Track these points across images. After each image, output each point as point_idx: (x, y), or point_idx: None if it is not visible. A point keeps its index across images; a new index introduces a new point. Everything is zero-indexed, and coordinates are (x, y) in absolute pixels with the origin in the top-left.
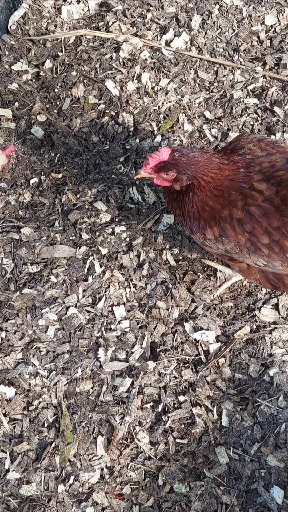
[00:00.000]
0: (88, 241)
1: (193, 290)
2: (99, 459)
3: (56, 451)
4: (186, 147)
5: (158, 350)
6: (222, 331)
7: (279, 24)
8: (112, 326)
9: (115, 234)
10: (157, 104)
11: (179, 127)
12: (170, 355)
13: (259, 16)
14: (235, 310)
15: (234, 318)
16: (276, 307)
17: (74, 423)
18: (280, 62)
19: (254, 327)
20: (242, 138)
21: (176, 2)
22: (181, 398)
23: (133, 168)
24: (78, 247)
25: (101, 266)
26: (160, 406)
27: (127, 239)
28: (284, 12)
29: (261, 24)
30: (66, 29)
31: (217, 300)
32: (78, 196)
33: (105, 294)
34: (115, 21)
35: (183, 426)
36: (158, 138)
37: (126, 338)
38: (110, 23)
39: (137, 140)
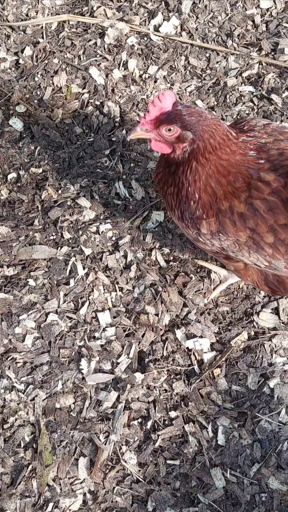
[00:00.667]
0: (70, 241)
1: (185, 293)
2: (81, 483)
3: (33, 475)
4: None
5: (146, 360)
6: (217, 338)
7: (276, 7)
8: (96, 334)
9: (100, 233)
10: (145, 93)
11: None
12: (160, 366)
13: None
14: (231, 315)
15: (230, 323)
16: (276, 311)
17: (53, 442)
18: (277, 47)
19: (252, 333)
20: (247, 121)
21: None
22: (172, 413)
23: (119, 161)
24: (59, 248)
25: (84, 268)
26: (149, 423)
27: (113, 238)
28: None
29: (256, 7)
30: (48, 14)
31: (211, 304)
32: (60, 192)
33: (88, 299)
34: (100, 6)
35: (174, 445)
36: None
37: (111, 347)
38: (94, 8)
39: (124, 132)
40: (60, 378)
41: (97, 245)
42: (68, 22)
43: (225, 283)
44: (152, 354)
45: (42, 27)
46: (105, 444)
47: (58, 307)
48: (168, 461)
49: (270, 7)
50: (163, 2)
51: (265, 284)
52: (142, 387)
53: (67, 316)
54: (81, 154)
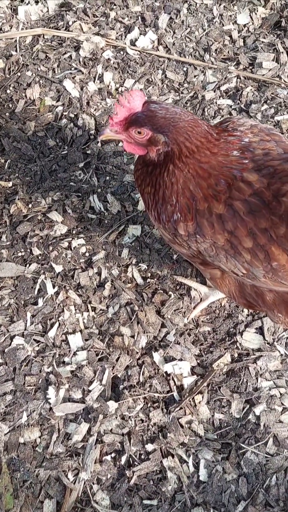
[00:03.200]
0: (39, 257)
1: (164, 312)
2: None
3: None
4: (165, 101)
5: (121, 387)
6: (198, 361)
7: (253, 23)
8: (66, 359)
9: (72, 248)
10: None
11: None
12: (135, 393)
13: (230, 15)
14: (213, 336)
15: (212, 345)
16: (260, 330)
17: (15, 483)
18: (255, 61)
19: (236, 355)
20: (232, 121)
21: (141, 0)
22: (149, 447)
23: (94, 175)
24: (27, 265)
25: (54, 287)
26: (124, 458)
27: (87, 254)
28: (257, 11)
29: (233, 23)
30: (22, 29)
31: (191, 324)
32: (30, 206)
33: (58, 320)
34: (76, 20)
35: (151, 482)
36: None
37: (82, 373)
38: (70, 23)
39: (99, 144)
40: (25, 409)
41: (69, 262)
42: (43, 36)
43: (206, 301)
44: (127, 380)
45: (15, 40)
46: (74, 483)
47: (25, 329)
48: (145, 501)
49: (247, 23)
50: (139, 18)
51: (242, 296)
52: (116, 418)
53: (34, 340)
54: (54, 167)
